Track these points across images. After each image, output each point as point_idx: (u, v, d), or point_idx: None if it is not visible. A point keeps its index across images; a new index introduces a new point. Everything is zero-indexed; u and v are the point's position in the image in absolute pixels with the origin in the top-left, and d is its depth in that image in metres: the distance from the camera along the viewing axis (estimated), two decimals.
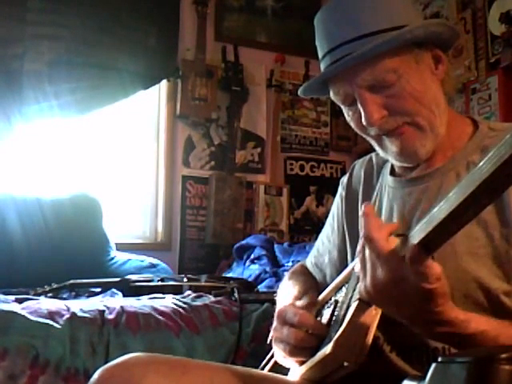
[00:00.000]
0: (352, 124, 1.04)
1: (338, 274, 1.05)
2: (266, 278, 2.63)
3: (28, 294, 1.95)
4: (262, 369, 1.14)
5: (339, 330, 0.87)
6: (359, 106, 0.98)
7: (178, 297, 1.95)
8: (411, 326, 0.83)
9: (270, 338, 1.04)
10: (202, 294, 2.00)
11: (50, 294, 2.01)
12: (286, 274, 1.29)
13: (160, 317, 1.75)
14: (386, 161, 1.12)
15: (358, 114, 0.99)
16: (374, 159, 1.18)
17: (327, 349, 0.87)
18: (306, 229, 3.62)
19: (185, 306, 1.84)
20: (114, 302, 1.85)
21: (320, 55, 1.04)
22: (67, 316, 1.65)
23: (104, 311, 1.72)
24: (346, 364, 0.86)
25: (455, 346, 0.84)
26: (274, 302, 1.23)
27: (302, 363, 0.98)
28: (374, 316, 0.87)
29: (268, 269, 2.72)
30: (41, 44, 2.92)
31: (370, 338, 0.87)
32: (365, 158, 1.22)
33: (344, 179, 1.23)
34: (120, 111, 3.24)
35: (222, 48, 3.49)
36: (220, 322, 1.81)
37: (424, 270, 0.73)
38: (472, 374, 0.58)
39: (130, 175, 3.31)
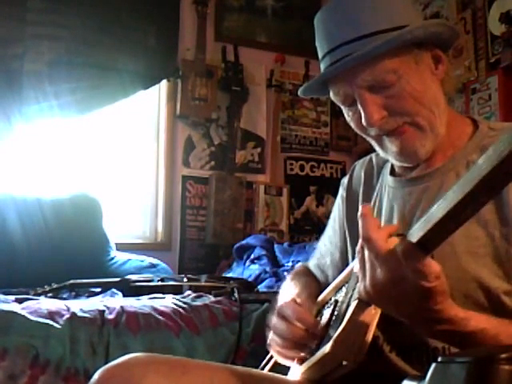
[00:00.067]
0: (352, 124, 1.04)
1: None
2: (265, 278, 2.63)
3: (28, 294, 1.95)
4: (262, 369, 1.14)
5: (338, 329, 0.87)
6: (359, 106, 0.98)
7: (178, 297, 1.95)
8: (411, 325, 0.83)
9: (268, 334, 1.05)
10: (202, 293, 2.00)
11: (49, 294, 2.01)
12: (289, 275, 1.29)
13: (160, 317, 1.75)
14: (386, 161, 1.12)
15: (358, 115, 0.99)
16: (374, 160, 1.18)
17: (326, 348, 0.87)
18: (306, 229, 3.62)
19: (185, 306, 1.84)
20: (114, 301, 1.85)
21: (320, 55, 1.04)
22: (67, 316, 1.65)
23: (104, 311, 1.72)
24: (344, 363, 0.87)
25: (455, 345, 0.84)
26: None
27: (298, 360, 0.99)
28: (373, 315, 0.87)
29: (268, 269, 2.72)
30: (41, 44, 2.92)
31: (369, 337, 0.87)
32: (365, 158, 1.22)
33: (344, 180, 1.23)
34: (120, 111, 3.24)
35: (222, 48, 3.49)
36: (220, 322, 1.81)
37: (423, 268, 0.73)
38: (472, 374, 0.58)
39: (130, 175, 3.31)
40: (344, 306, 0.92)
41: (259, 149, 3.56)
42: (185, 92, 3.28)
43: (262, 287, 2.49)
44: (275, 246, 3.00)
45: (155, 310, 1.78)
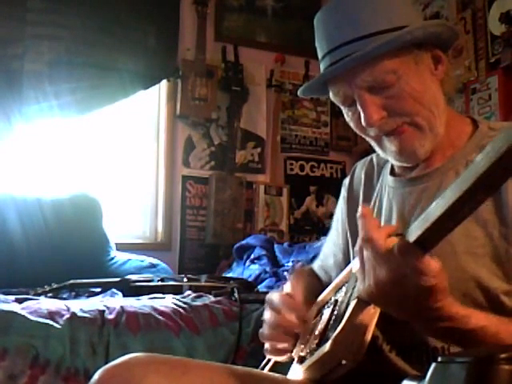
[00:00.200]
0: (352, 124, 1.04)
1: None
2: (265, 278, 2.63)
3: (28, 294, 1.95)
4: (262, 369, 1.14)
5: (337, 329, 0.87)
6: (359, 106, 0.98)
7: (178, 297, 1.95)
8: (412, 323, 0.83)
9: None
10: (202, 294, 2.00)
11: (49, 294, 2.02)
12: (290, 275, 1.29)
13: (160, 317, 1.75)
14: (387, 161, 1.12)
15: (358, 115, 0.99)
16: (374, 160, 1.19)
17: (325, 347, 0.87)
18: (306, 229, 3.61)
19: (185, 306, 1.84)
20: (114, 301, 1.85)
21: (320, 56, 1.04)
22: (67, 316, 1.65)
23: (104, 311, 1.72)
24: (344, 362, 0.86)
25: (455, 343, 0.84)
26: None
27: (288, 351, 1.01)
28: (372, 314, 0.87)
29: (268, 269, 2.72)
30: (41, 44, 2.92)
31: (368, 337, 0.87)
32: (366, 158, 1.22)
33: (346, 181, 1.24)
34: (120, 111, 3.24)
35: (222, 48, 3.49)
36: (220, 322, 1.81)
37: (422, 266, 0.73)
38: (472, 374, 0.58)
39: (129, 175, 3.31)
40: (343, 305, 0.92)
41: (259, 149, 3.56)
42: (185, 92, 3.28)
43: (262, 287, 2.49)
44: (275, 246, 3.00)
45: (155, 309, 1.78)
